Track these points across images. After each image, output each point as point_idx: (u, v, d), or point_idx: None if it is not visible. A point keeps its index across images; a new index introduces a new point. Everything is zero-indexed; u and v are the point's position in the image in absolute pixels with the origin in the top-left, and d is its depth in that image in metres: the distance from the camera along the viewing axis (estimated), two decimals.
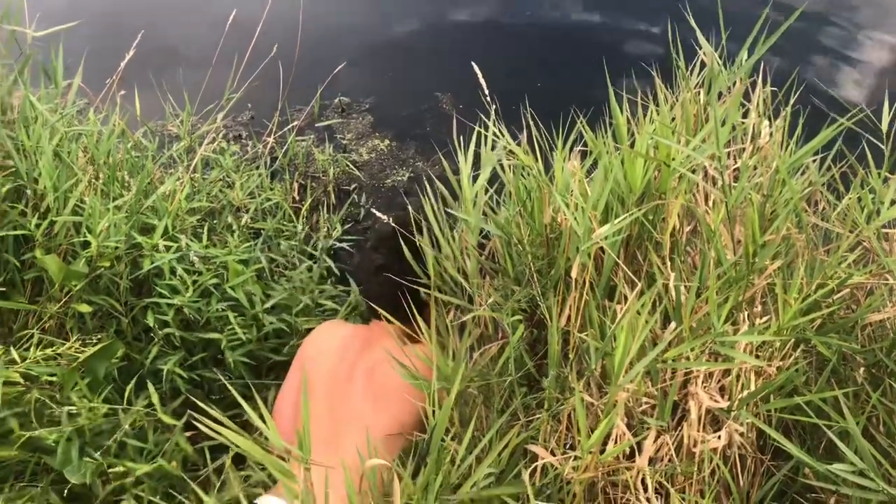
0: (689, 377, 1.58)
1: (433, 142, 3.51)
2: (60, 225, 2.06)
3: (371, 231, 3.06)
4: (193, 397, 1.83)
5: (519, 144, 1.84)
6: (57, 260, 1.97)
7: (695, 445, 1.51)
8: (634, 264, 1.79)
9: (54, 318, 2.04)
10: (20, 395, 1.76)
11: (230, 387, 1.53)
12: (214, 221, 2.63)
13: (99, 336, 2.03)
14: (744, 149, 2.04)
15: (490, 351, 1.74)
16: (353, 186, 3.38)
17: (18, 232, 2.03)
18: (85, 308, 2.01)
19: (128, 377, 1.97)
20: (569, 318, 1.67)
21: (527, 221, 1.85)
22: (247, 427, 1.51)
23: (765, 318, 1.62)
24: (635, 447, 1.51)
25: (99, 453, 1.77)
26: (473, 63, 2.07)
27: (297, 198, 3.20)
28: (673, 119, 1.97)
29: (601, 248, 1.70)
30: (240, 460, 1.94)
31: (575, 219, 1.57)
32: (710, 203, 1.87)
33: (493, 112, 1.88)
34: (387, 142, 3.67)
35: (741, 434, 1.54)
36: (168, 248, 2.19)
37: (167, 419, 1.89)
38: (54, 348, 1.85)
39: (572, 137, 1.92)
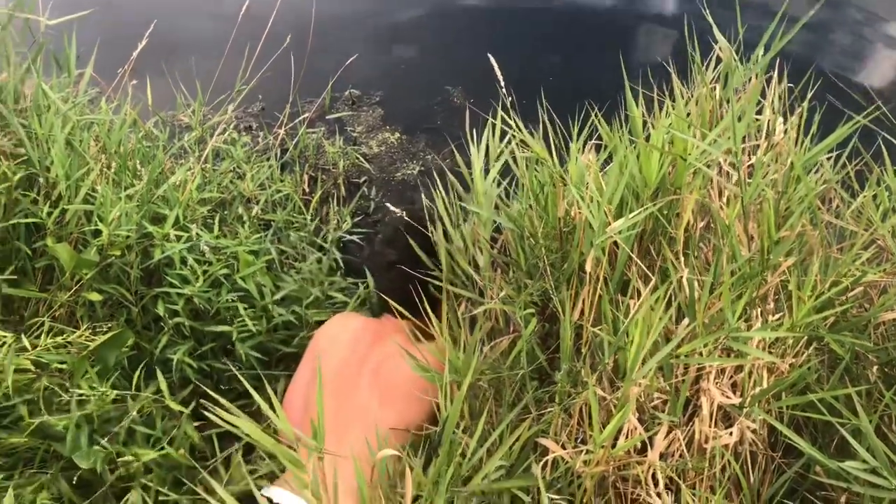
0: (701, 373, 1.57)
1: (445, 135, 3.50)
2: (72, 213, 2.06)
3: (381, 224, 3.06)
4: (203, 387, 1.84)
5: (533, 136, 1.83)
6: (68, 248, 1.97)
7: (706, 441, 1.51)
8: (648, 259, 1.78)
9: (65, 307, 2.04)
10: (30, 382, 1.76)
11: (241, 377, 1.53)
12: (225, 212, 2.63)
13: (109, 325, 2.03)
14: (758, 145, 2.03)
15: (501, 344, 1.73)
16: (362, 179, 3.38)
17: (30, 220, 2.03)
18: (95, 297, 2.01)
19: (137, 366, 1.97)
20: (582, 312, 1.67)
21: (539, 215, 1.84)
22: (256, 418, 1.51)
23: (778, 315, 1.61)
24: (647, 442, 1.50)
25: (107, 440, 1.77)
26: (490, 55, 2.05)
27: (307, 190, 3.19)
28: (688, 114, 1.96)
29: (615, 243, 1.70)
30: (246, 453, 1.94)
31: (590, 212, 1.56)
32: (725, 199, 1.86)
33: (508, 104, 1.87)
34: (397, 135, 3.66)
35: (753, 431, 1.53)
36: (179, 238, 2.19)
37: (175, 405, 1.89)
38: (65, 336, 1.85)
39: (586, 132, 1.91)
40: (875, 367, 1.65)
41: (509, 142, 1.94)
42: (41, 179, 2.09)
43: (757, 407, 1.51)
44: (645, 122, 1.90)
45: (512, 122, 1.86)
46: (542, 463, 1.48)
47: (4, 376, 1.66)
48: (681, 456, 1.52)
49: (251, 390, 1.34)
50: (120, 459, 1.77)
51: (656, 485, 1.47)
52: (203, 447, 1.96)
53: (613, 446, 1.44)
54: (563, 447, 1.52)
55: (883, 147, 1.90)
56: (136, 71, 2.71)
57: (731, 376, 1.59)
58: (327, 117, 3.70)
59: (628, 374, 1.40)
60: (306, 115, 3.47)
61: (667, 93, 2.08)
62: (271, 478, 1.80)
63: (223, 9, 3.37)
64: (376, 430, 1.65)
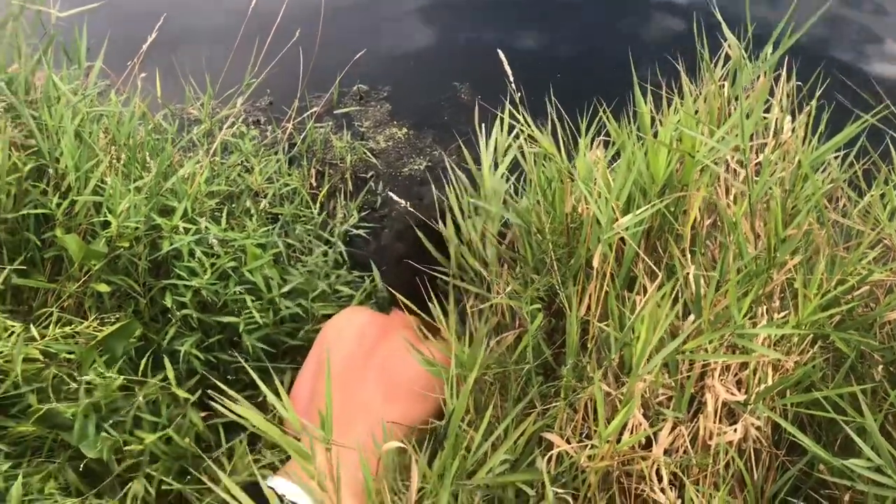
0: (706, 370, 1.58)
1: (453, 130, 3.50)
2: (81, 205, 2.07)
3: (389, 219, 3.06)
4: (210, 378, 1.85)
5: (541, 132, 1.84)
6: (77, 239, 1.98)
7: (710, 438, 1.51)
8: (655, 255, 1.79)
9: (73, 297, 2.05)
10: (39, 371, 1.77)
11: (248, 368, 1.53)
12: (233, 205, 2.63)
13: (117, 316, 2.04)
14: (766, 143, 2.03)
15: (507, 339, 1.74)
16: (369, 174, 3.39)
17: (39, 211, 2.04)
18: (104, 288, 2.02)
19: (144, 357, 1.99)
20: (588, 307, 1.67)
21: (547, 210, 1.84)
22: (262, 409, 1.52)
23: (783, 313, 1.61)
24: (651, 438, 1.51)
25: (113, 427, 1.78)
26: (499, 51, 2.05)
27: (315, 184, 3.20)
28: (696, 112, 1.96)
29: (622, 239, 1.70)
30: (251, 444, 1.95)
31: (598, 208, 1.56)
32: (732, 197, 1.86)
33: (517, 99, 1.87)
34: (404, 130, 3.66)
35: (757, 428, 1.53)
36: (187, 231, 2.19)
37: (181, 393, 1.90)
38: (73, 326, 1.87)
39: (594, 128, 1.91)
40: (880, 366, 1.65)
41: (517, 137, 1.94)
42: (51, 170, 2.10)
43: (761, 404, 1.51)
44: (653, 119, 1.90)
45: (520, 118, 1.86)
46: (546, 457, 1.49)
47: (13, 365, 1.68)
48: (685, 452, 1.52)
49: (258, 380, 1.34)
50: (126, 449, 1.78)
51: (660, 480, 1.47)
52: (208, 437, 1.97)
53: (618, 441, 1.44)
54: (568, 442, 1.53)
55: (891, 146, 1.90)
56: (146, 64, 2.71)
57: (736, 373, 1.59)
58: (335, 112, 3.70)
59: (634, 369, 1.40)
60: (314, 109, 3.48)
61: (675, 89, 2.07)
62: (275, 468, 1.81)
63: (232, 3, 3.39)
64: (381, 425, 1.66)
